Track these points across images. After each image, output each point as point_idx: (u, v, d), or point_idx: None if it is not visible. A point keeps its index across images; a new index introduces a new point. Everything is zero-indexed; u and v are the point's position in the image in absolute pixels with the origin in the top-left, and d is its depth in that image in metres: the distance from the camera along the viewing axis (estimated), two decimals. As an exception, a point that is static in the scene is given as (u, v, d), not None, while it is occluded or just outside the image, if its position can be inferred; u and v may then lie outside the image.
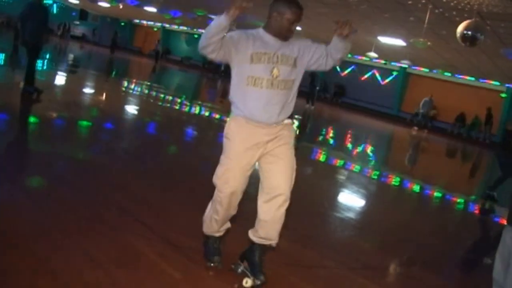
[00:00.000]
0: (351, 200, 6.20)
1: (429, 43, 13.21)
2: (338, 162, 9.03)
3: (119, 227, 3.44)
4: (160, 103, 12.64)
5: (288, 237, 4.10)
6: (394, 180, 8.63)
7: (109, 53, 28.74)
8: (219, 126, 10.43)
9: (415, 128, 22.12)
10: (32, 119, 7.32)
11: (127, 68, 23.91)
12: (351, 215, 5.41)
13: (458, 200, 8.14)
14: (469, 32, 9.30)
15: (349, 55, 27.11)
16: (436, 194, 8.19)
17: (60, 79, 13.29)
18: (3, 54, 16.27)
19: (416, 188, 8.36)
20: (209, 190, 2.99)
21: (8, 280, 2.48)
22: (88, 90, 12.38)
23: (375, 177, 8.52)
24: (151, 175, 5.26)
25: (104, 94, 12.36)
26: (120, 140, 7.09)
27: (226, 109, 12.99)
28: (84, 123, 7.76)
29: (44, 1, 8.75)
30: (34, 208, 3.53)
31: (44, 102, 8.25)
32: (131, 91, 14.24)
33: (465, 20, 9.73)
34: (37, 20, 7.84)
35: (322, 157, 9.35)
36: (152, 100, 13.20)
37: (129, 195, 4.31)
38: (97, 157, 5.71)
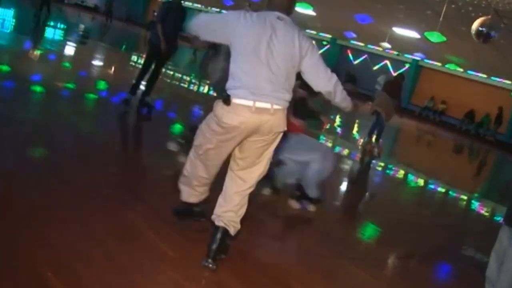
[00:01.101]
0: (352, 190, 6.22)
1: (444, 38, 13.10)
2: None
3: (117, 202, 3.46)
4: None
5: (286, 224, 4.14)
6: (386, 168, 8.64)
7: (104, 21, 28.45)
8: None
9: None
10: (38, 88, 7.22)
11: (119, 39, 23.36)
12: (351, 205, 5.43)
13: (459, 196, 8.15)
14: (484, 29, 9.21)
15: (362, 44, 26.93)
16: (438, 188, 8.20)
17: (70, 49, 13.30)
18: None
19: (420, 181, 8.38)
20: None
21: (3, 251, 2.49)
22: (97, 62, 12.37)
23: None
24: (152, 152, 5.29)
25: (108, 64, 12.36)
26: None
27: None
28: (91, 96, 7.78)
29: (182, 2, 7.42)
30: (33, 179, 3.53)
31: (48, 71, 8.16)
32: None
33: (481, 16, 9.63)
34: (174, 23, 6.89)
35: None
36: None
37: (129, 171, 4.34)
38: (98, 130, 5.74)
